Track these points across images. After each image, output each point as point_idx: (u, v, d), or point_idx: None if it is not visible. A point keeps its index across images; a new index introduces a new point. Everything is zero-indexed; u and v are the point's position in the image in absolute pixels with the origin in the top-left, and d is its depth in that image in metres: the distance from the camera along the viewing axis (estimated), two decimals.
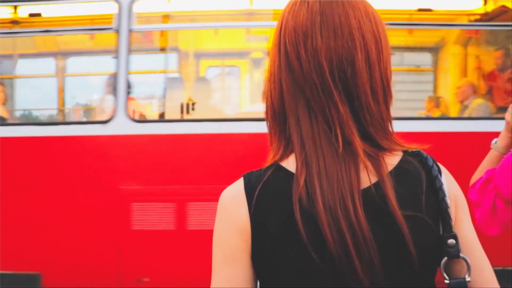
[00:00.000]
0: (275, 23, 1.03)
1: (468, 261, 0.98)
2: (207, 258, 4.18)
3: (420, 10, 4.78)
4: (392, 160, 0.97)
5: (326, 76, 0.94)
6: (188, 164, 4.08)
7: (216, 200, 0.98)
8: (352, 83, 0.94)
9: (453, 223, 0.98)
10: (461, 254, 0.98)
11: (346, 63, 0.94)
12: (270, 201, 0.94)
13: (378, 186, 0.94)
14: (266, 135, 1.03)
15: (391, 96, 0.99)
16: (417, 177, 0.97)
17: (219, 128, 4.16)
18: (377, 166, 0.95)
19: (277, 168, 0.97)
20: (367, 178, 0.94)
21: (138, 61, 5.91)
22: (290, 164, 0.96)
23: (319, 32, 0.95)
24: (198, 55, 5.86)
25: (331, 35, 0.95)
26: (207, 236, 4.06)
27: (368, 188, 0.94)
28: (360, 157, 0.93)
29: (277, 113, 0.99)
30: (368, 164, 0.94)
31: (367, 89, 0.95)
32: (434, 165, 1.00)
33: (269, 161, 1.00)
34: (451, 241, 0.97)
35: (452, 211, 0.99)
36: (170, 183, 4.09)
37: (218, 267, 0.97)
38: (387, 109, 0.99)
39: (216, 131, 4.13)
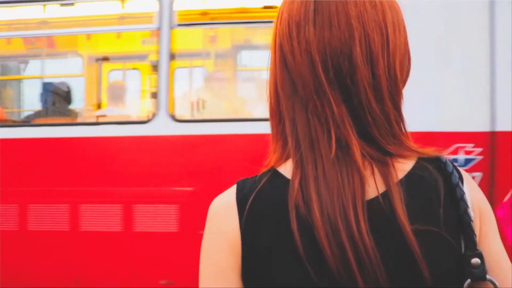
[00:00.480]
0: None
1: (496, 283, 0.85)
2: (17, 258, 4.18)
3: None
4: (404, 166, 0.86)
5: (319, 72, 0.84)
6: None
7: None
8: (350, 80, 0.84)
9: (477, 239, 0.86)
10: (487, 276, 0.85)
11: (342, 56, 0.84)
12: (264, 211, 0.85)
13: (386, 196, 0.83)
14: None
15: (400, 95, 0.88)
16: (433, 185, 0.85)
17: (53, 133, 4.19)
18: (385, 173, 0.84)
19: (274, 174, 0.88)
20: (374, 187, 0.83)
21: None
22: (287, 169, 0.87)
23: (312, 22, 0.85)
24: (101, 59, 5.96)
25: (326, 25, 0.85)
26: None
27: (375, 198, 0.83)
28: (357, 162, 0.83)
29: (274, 111, 0.92)
30: (376, 171, 0.84)
31: (367, 86, 0.84)
32: (455, 172, 0.88)
33: (266, 164, 0.91)
34: (475, 260, 0.84)
35: (476, 225, 0.87)
36: None
37: (205, 283, 0.88)
38: (396, 108, 0.87)
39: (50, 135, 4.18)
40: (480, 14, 3.56)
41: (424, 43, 3.58)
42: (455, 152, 3.51)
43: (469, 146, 3.54)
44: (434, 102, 3.57)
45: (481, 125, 3.51)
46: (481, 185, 3.40)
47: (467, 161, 3.55)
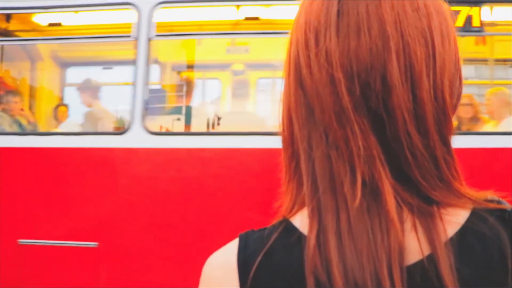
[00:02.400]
0: None
1: None
2: None
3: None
4: (455, 219, 0.66)
5: (342, 93, 0.65)
6: None
7: None
8: (383, 104, 0.65)
9: None
10: None
11: (374, 73, 0.65)
12: (274, 279, 0.66)
13: (432, 261, 0.63)
14: None
15: (450, 126, 0.68)
16: (496, 244, 0.64)
17: None
18: (430, 228, 0.65)
19: (286, 228, 0.69)
20: (417, 247, 0.64)
21: None
22: (304, 220, 0.68)
23: (334, 27, 0.67)
24: None
25: (352, 31, 0.66)
26: None
27: (419, 262, 0.64)
28: (390, 214, 0.63)
29: (287, 142, 0.73)
30: (418, 225, 0.65)
31: (407, 114, 0.65)
32: None
33: (279, 214, 0.73)
34: None
35: None
36: None
37: None
38: (445, 144, 0.67)
39: None
40: None
41: None
42: None
43: None
44: None
45: None
46: None
47: None
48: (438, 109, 0.66)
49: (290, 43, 0.72)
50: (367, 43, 0.65)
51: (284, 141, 0.73)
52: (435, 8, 0.68)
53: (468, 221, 0.66)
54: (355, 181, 0.64)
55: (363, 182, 0.64)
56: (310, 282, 0.63)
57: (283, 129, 0.73)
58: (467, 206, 0.67)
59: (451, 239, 0.64)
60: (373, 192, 0.64)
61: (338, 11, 0.67)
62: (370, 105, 0.65)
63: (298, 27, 0.71)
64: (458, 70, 0.70)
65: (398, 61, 0.64)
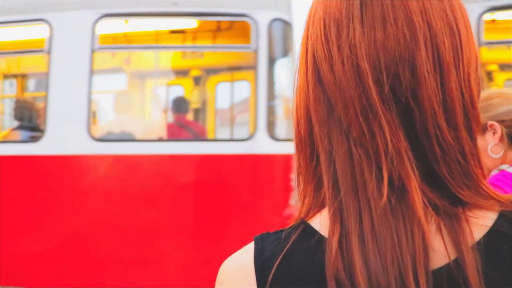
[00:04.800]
0: None
1: None
2: None
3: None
4: (482, 221, 0.63)
5: (368, 86, 0.62)
6: None
7: None
8: (412, 97, 0.62)
9: None
10: None
11: (402, 64, 0.62)
12: (294, 283, 0.64)
13: (459, 265, 0.60)
14: None
15: (478, 119, 0.66)
16: None
17: None
18: (456, 231, 0.61)
19: (305, 230, 0.67)
20: (442, 251, 0.61)
21: None
22: (323, 222, 0.65)
23: (358, 19, 0.64)
24: None
25: (378, 22, 0.63)
26: None
27: (445, 267, 0.61)
28: (418, 214, 0.60)
29: (304, 141, 0.70)
30: (442, 227, 0.61)
31: (436, 106, 0.62)
32: None
33: (296, 216, 0.69)
34: None
35: None
36: None
37: None
38: (472, 138, 0.65)
39: None
40: None
41: None
42: None
43: None
44: None
45: None
46: None
47: None
48: (466, 102, 0.64)
49: (306, 38, 0.69)
50: (394, 34, 0.63)
51: (301, 141, 0.70)
52: (456, 0, 0.68)
53: (496, 224, 0.63)
54: (382, 179, 0.61)
55: (389, 181, 0.61)
56: (332, 286, 0.60)
57: (299, 129, 0.70)
58: (495, 208, 0.64)
59: (478, 242, 0.61)
60: (398, 191, 0.61)
61: (361, 3, 0.65)
62: (398, 98, 0.62)
63: (315, 21, 0.68)
64: (477, 64, 0.69)
65: (427, 52, 0.63)
